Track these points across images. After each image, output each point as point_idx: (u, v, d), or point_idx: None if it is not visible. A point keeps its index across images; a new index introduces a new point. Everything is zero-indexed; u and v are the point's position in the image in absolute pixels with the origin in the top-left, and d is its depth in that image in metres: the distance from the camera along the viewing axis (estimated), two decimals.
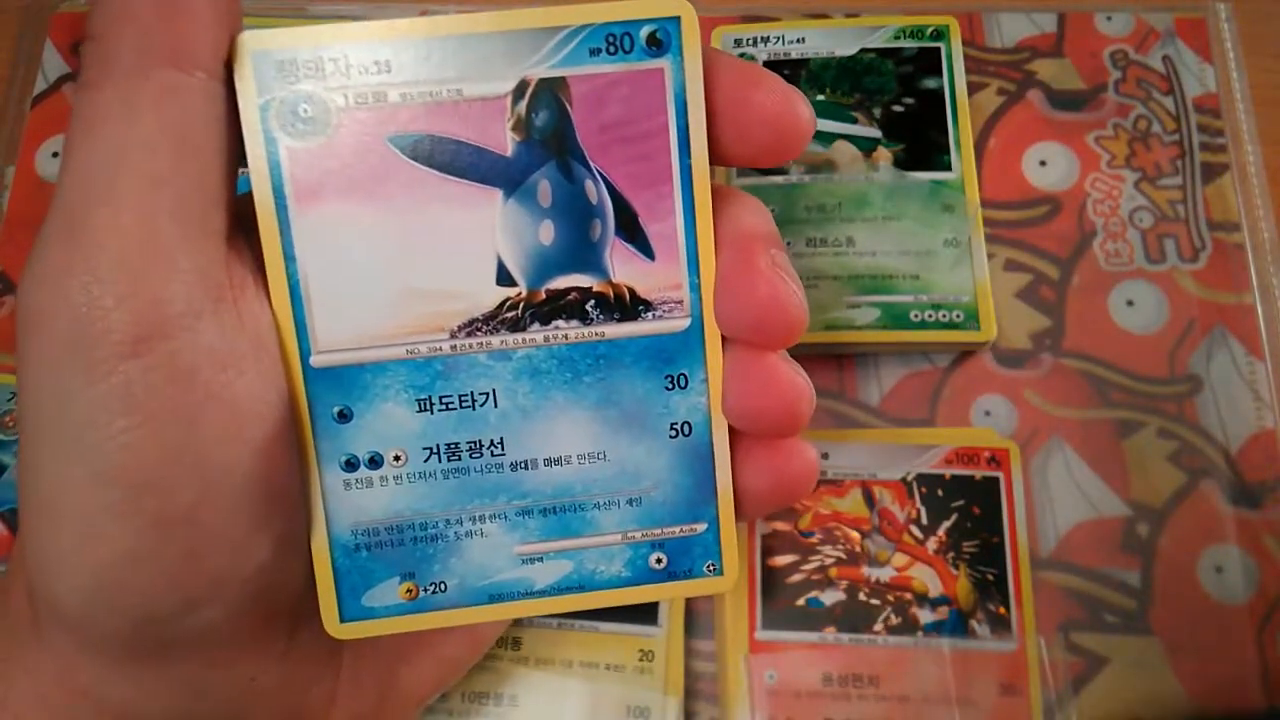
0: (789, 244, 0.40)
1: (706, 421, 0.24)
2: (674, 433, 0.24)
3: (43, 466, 0.20)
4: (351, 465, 0.23)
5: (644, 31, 0.21)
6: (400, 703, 0.28)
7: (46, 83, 0.45)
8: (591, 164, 0.22)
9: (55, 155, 0.43)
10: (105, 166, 0.19)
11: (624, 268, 0.23)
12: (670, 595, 0.24)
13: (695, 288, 0.23)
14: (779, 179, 0.41)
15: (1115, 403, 0.39)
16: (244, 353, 0.21)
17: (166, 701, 0.23)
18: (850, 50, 0.43)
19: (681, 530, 0.24)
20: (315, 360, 0.22)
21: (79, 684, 0.23)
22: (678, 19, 0.21)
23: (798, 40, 0.43)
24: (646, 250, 0.22)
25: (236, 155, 0.21)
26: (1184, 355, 0.40)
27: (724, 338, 0.23)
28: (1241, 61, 0.43)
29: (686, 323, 0.23)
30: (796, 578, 0.37)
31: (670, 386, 0.23)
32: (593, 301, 0.23)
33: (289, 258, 0.22)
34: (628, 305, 0.23)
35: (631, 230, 0.22)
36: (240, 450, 0.21)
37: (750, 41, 0.43)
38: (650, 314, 0.23)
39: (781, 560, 0.37)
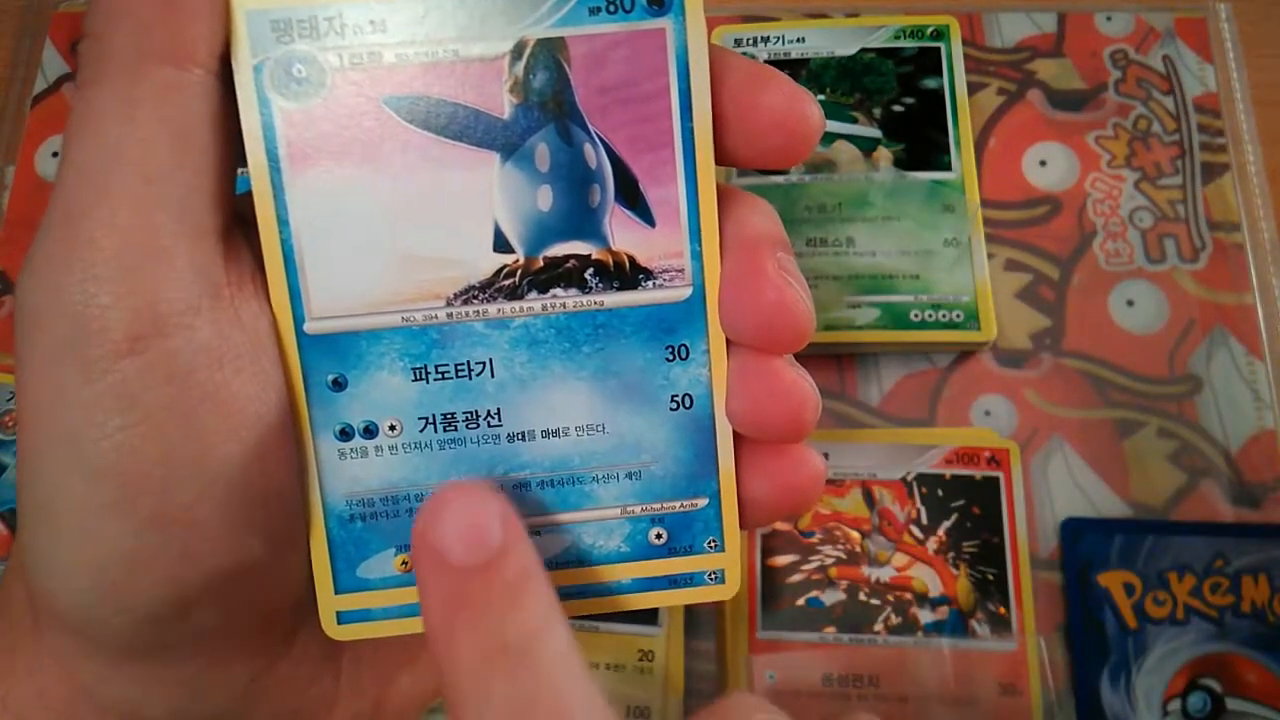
0: None
1: (708, 394, 0.23)
2: (674, 405, 0.23)
3: (40, 465, 0.20)
4: (346, 434, 0.22)
5: None
6: (401, 706, 0.28)
7: (46, 83, 0.45)
8: (591, 127, 0.21)
9: (55, 155, 0.44)
10: (102, 164, 0.19)
11: (624, 235, 0.22)
12: (669, 571, 0.24)
13: (697, 256, 0.22)
14: (779, 179, 0.41)
15: (1115, 403, 0.39)
16: (241, 352, 0.21)
17: (166, 701, 0.23)
18: (850, 50, 0.43)
19: (682, 505, 0.23)
20: (309, 327, 0.22)
21: (78, 683, 0.23)
22: None
23: (798, 40, 0.43)
24: (647, 217, 0.22)
25: (235, 153, 0.21)
26: (1184, 355, 0.40)
27: (729, 342, 0.23)
28: (1241, 61, 0.43)
29: (688, 292, 0.22)
30: (796, 578, 0.37)
31: (671, 357, 0.23)
32: (591, 269, 0.22)
33: (282, 222, 0.21)
34: (627, 274, 0.22)
35: (632, 196, 0.22)
36: (238, 450, 0.21)
37: (750, 41, 0.43)
38: (651, 283, 0.22)
39: (781, 560, 0.37)
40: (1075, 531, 0.37)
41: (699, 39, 0.21)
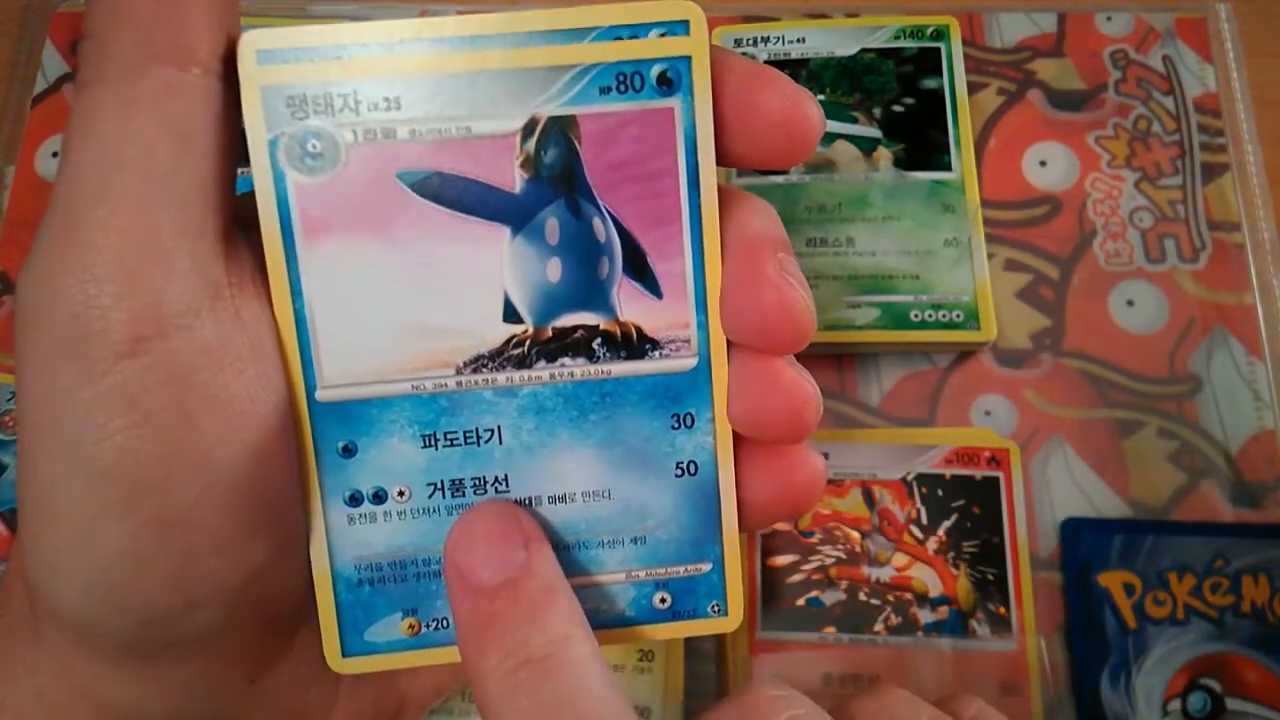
0: None
1: (713, 461, 0.23)
2: (680, 472, 0.23)
3: (40, 466, 0.20)
4: (355, 500, 0.23)
5: (655, 71, 0.21)
6: (401, 707, 0.28)
7: (46, 83, 0.45)
8: (600, 202, 0.22)
9: (55, 155, 0.43)
10: (102, 165, 0.19)
11: (631, 306, 0.22)
12: (674, 635, 0.24)
13: (703, 326, 0.23)
14: (779, 179, 0.41)
15: (1115, 403, 0.39)
16: (242, 352, 0.21)
17: (166, 702, 0.23)
18: (850, 50, 0.43)
19: (686, 570, 0.24)
20: (321, 395, 0.22)
21: (78, 683, 0.23)
22: (688, 59, 0.21)
23: (798, 40, 0.43)
24: (654, 289, 0.22)
25: (235, 153, 0.21)
26: (1184, 355, 0.40)
27: (730, 343, 0.23)
28: (1241, 61, 0.43)
29: (694, 361, 0.23)
30: (796, 578, 0.37)
31: (676, 425, 0.23)
32: (599, 340, 0.22)
33: (296, 292, 0.22)
34: (634, 344, 0.23)
35: (640, 269, 0.22)
36: (239, 450, 0.21)
37: (750, 41, 0.43)
38: (657, 353, 0.23)
39: (781, 560, 0.37)
40: (1075, 531, 0.37)
41: (705, 118, 0.22)
